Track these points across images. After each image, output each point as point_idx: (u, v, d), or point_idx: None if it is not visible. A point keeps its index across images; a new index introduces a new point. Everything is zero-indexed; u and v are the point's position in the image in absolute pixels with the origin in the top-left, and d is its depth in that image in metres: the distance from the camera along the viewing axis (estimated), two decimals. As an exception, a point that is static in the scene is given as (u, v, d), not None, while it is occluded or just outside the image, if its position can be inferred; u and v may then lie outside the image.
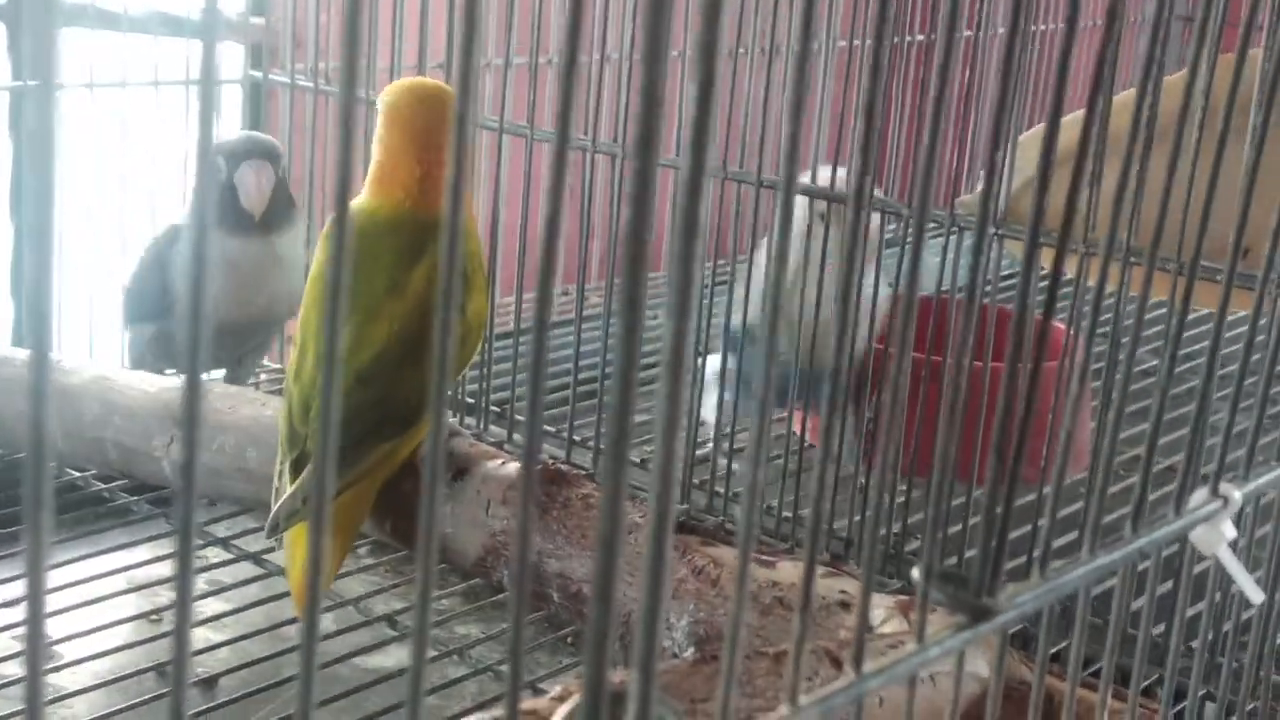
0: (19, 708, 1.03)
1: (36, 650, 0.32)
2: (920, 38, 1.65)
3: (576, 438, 1.46)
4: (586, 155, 1.39)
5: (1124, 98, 1.17)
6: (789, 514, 1.36)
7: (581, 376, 1.42)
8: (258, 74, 1.62)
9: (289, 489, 1.05)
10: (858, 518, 1.31)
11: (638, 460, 1.47)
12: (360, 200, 1.09)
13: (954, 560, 1.27)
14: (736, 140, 1.33)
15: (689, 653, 0.94)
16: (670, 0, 0.34)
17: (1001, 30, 1.92)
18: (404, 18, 1.43)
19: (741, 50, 1.33)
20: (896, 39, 1.46)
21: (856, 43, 1.35)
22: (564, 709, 0.40)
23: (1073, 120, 1.32)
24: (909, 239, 1.36)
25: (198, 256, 0.25)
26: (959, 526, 1.29)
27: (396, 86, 1.12)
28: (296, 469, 1.05)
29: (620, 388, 0.36)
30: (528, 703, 0.67)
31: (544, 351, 0.38)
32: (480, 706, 1.07)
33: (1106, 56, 0.50)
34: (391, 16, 1.43)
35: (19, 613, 1.14)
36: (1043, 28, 1.81)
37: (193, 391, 0.27)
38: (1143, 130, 0.56)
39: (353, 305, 1.07)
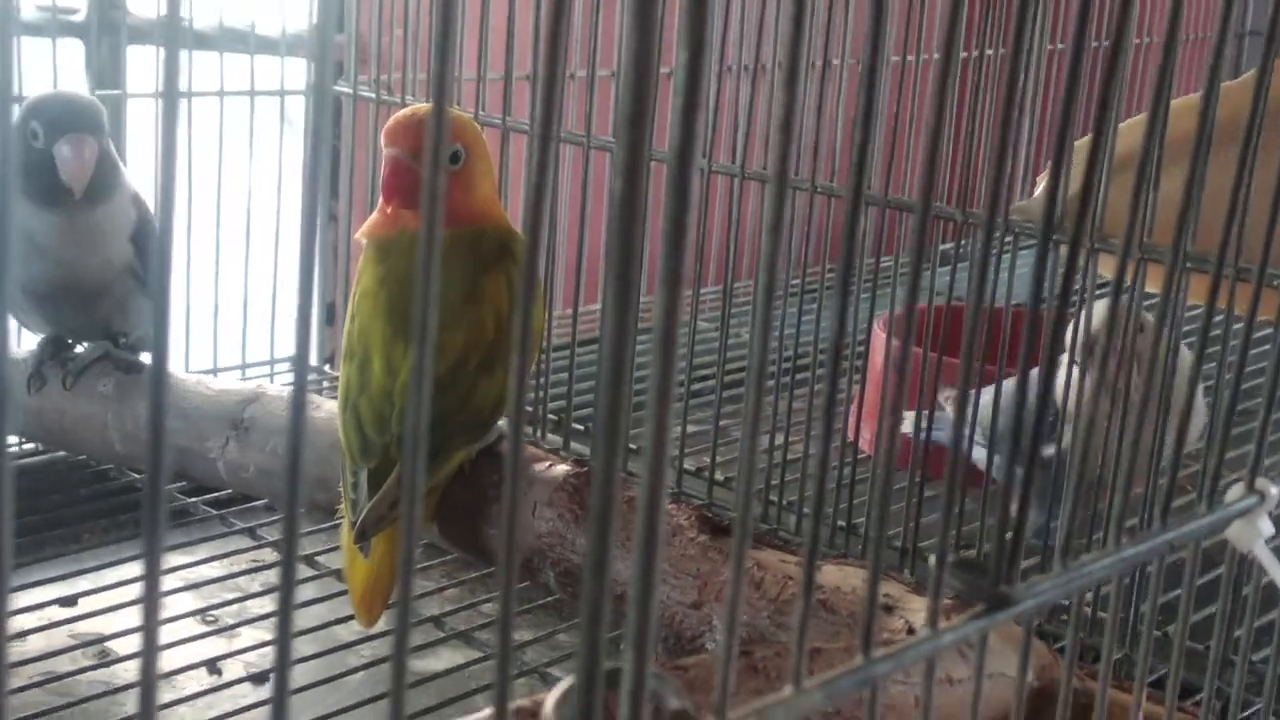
0: (72, 700, 1.04)
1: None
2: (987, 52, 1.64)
3: (633, 446, 1.46)
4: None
5: (1180, 103, 1.15)
6: (843, 523, 1.36)
7: (638, 388, 1.43)
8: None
9: (367, 498, 1.05)
10: (912, 524, 1.30)
11: (692, 469, 1.47)
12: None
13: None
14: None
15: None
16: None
17: (1062, 46, 1.90)
18: (490, 30, 1.43)
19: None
20: (975, 53, 1.45)
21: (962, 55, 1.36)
22: (562, 684, 0.40)
23: (1129, 125, 1.31)
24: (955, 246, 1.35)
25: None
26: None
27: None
28: (374, 478, 1.06)
29: (613, 343, 0.36)
30: (540, 695, 0.67)
31: (529, 328, 0.38)
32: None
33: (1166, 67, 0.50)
34: (478, 29, 1.43)
35: (75, 610, 1.16)
36: (1095, 44, 1.78)
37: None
38: (1205, 137, 0.55)
39: None
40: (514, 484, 0.39)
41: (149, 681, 0.33)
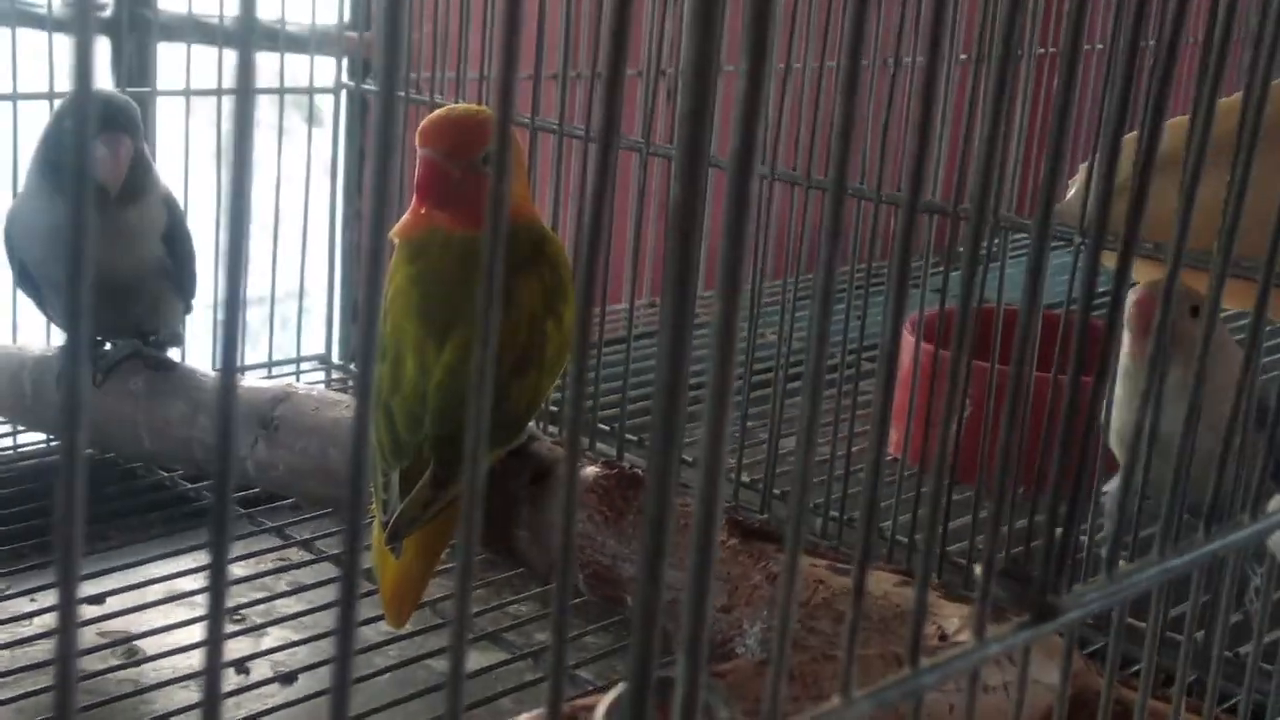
0: (101, 699, 1.04)
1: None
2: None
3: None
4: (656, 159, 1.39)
5: (1225, 103, 1.15)
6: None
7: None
8: (350, 83, 1.65)
9: (399, 498, 1.04)
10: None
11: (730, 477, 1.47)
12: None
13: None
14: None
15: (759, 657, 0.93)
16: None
17: (1100, 46, 1.89)
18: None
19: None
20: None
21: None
22: (611, 693, 0.39)
23: (1167, 126, 1.30)
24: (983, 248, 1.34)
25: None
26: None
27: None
28: (406, 479, 1.06)
29: (670, 340, 0.36)
30: (583, 699, 0.67)
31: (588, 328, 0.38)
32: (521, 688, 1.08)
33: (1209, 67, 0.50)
34: (482, 28, 1.43)
35: (103, 609, 1.16)
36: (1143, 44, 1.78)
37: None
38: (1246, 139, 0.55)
39: (463, 318, 1.07)
40: (570, 498, 0.39)
41: (214, 673, 0.32)
